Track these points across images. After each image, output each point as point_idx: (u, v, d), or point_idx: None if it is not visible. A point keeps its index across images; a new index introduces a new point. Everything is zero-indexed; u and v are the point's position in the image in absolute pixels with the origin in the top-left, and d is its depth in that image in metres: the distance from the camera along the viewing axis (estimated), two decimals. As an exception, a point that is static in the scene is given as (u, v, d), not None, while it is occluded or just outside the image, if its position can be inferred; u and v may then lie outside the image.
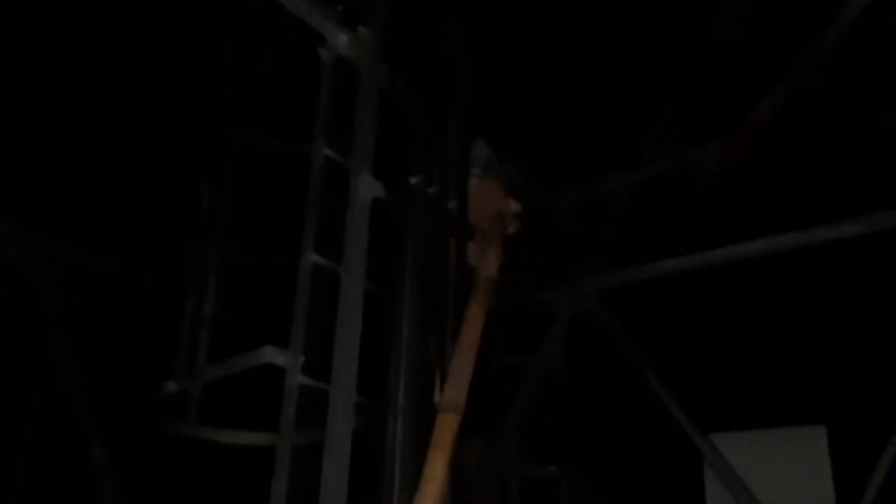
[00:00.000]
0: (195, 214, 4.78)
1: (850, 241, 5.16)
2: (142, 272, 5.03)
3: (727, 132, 5.06)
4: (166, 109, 5.13)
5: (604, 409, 6.21)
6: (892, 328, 5.44)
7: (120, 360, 5.02)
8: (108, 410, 4.80)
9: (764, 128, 4.86)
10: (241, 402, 4.30)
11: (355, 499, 3.33)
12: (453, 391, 3.29)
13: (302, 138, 3.97)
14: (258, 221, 4.95)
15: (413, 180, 3.82)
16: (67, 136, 4.94)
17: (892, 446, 5.00)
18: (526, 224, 4.16)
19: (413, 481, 3.47)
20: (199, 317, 4.40)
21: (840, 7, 4.44)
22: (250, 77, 4.90)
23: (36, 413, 4.77)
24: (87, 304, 5.00)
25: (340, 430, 3.21)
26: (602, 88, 5.14)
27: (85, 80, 4.86)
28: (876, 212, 5.01)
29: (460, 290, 3.84)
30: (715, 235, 5.49)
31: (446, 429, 3.20)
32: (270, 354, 3.36)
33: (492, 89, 4.58)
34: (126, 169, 5.24)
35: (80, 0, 4.40)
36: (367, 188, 3.60)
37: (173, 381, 4.15)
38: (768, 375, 5.79)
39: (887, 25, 4.47)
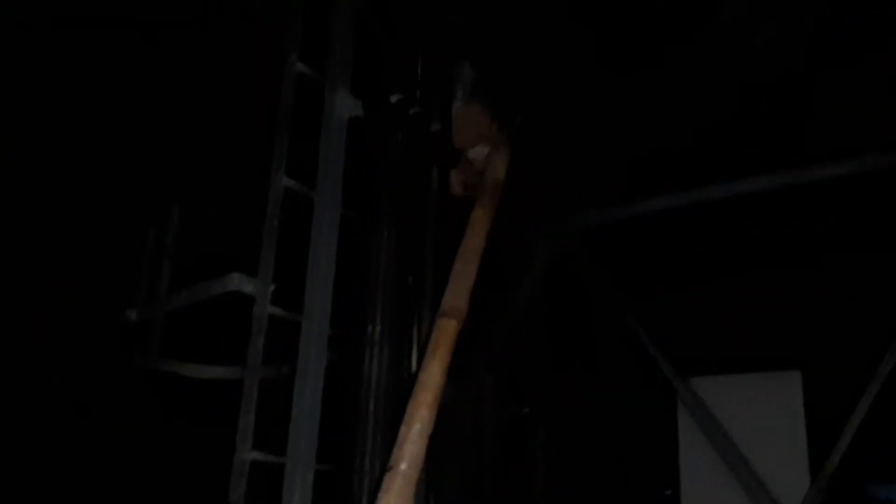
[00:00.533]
0: (162, 142, 4.49)
1: (833, 184, 5.05)
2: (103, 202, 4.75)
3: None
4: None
5: (580, 350, 6.13)
6: (868, 273, 5.39)
7: (82, 291, 4.77)
8: (70, 341, 4.58)
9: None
10: (209, 334, 4.09)
11: (328, 435, 3.17)
12: (454, 296, 3.07)
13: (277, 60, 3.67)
14: (229, 147, 4.66)
15: (393, 99, 3.54)
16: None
17: (868, 394, 4.99)
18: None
19: (390, 417, 3.31)
20: (162, 245, 4.15)
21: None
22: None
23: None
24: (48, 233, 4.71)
25: (313, 362, 3.01)
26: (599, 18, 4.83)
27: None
28: (861, 153, 4.89)
29: (442, 220, 3.63)
30: (697, 174, 5.35)
31: (445, 335, 2.97)
32: (238, 281, 3.14)
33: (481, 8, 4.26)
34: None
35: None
36: (343, 106, 3.34)
37: (135, 309, 3.91)
38: (745, 320, 5.73)
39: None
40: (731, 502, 5.25)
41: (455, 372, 4.48)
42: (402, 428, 2.77)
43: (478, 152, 3.78)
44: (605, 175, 5.48)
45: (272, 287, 3.14)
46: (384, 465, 2.98)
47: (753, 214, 5.49)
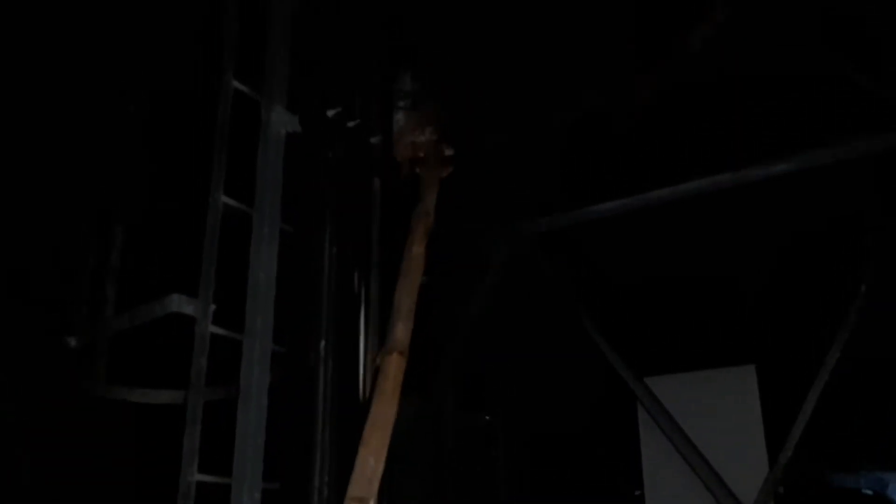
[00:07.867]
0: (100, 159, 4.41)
1: (781, 180, 5.14)
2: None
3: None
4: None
5: (538, 354, 6.14)
6: (820, 266, 5.48)
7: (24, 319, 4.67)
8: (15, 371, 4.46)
9: (694, 59, 4.73)
10: (153, 358, 4.01)
11: (278, 456, 3.12)
12: (399, 332, 3.08)
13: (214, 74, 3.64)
14: (169, 165, 4.60)
15: (331, 113, 3.53)
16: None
17: (819, 382, 5.07)
18: (458, 162, 3.96)
19: (340, 432, 3.29)
20: (104, 268, 4.07)
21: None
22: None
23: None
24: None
25: (255, 381, 2.97)
26: (534, 24, 4.88)
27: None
28: (807, 150, 4.98)
29: (386, 232, 3.62)
30: (647, 176, 5.40)
31: (392, 372, 2.98)
32: (178, 303, 3.09)
33: (420, 18, 4.27)
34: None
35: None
36: (280, 122, 3.32)
37: (74, 335, 3.82)
38: (699, 317, 5.79)
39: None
40: (693, 499, 5.29)
41: (415, 387, 4.48)
42: (357, 468, 2.77)
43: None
44: (555, 180, 5.52)
45: (213, 307, 3.10)
46: (333, 481, 2.96)
47: (702, 211, 5.57)
